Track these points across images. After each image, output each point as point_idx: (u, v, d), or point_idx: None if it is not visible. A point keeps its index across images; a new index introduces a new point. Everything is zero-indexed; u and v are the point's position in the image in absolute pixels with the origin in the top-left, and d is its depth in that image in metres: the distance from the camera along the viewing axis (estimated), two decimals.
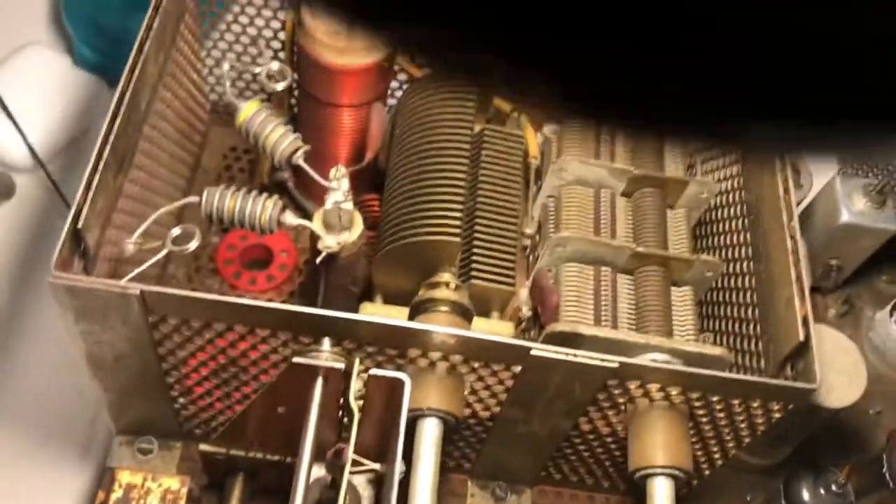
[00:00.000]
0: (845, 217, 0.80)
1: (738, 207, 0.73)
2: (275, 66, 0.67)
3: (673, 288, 0.68)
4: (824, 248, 0.83)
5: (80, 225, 0.55)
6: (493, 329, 0.67)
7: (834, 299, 0.88)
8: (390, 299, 0.68)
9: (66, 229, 0.55)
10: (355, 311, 0.71)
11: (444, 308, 0.63)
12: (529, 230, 0.72)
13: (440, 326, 0.55)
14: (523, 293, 0.68)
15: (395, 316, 0.66)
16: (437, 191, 0.65)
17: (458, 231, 0.63)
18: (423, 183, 0.66)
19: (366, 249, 0.74)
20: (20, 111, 0.90)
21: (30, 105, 0.93)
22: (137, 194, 0.68)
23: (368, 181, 0.76)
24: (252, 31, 0.80)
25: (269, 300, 0.80)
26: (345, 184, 0.65)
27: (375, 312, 0.67)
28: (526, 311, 0.67)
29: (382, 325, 0.55)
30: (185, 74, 0.76)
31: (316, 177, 0.65)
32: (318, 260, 0.63)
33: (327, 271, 0.68)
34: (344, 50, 0.67)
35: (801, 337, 0.58)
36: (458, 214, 0.64)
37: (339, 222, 0.63)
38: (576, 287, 0.66)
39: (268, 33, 0.80)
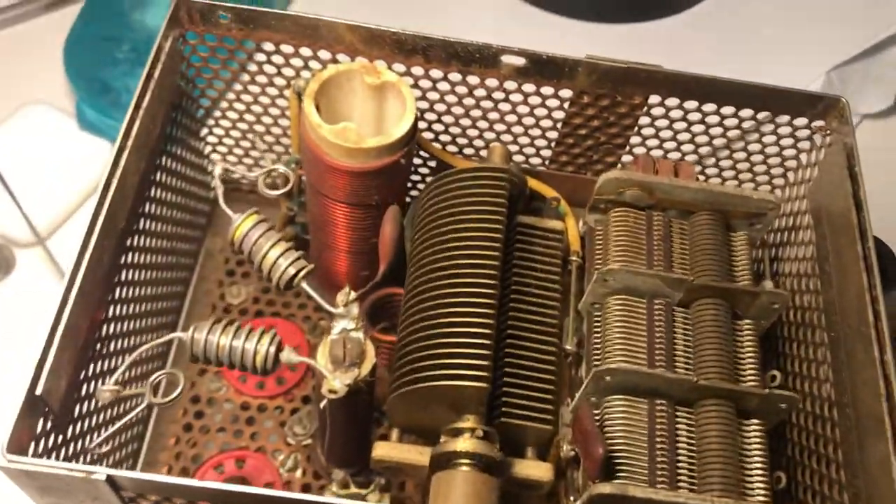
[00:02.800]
0: None
1: (815, 315, 0.62)
2: (278, 168, 0.59)
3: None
4: None
5: (38, 391, 0.48)
6: (526, 472, 0.58)
7: None
8: (410, 432, 0.60)
9: (21, 400, 0.47)
10: (370, 436, 0.63)
11: (466, 463, 0.53)
12: (570, 346, 0.62)
13: None
14: (565, 431, 0.58)
15: (413, 457, 0.58)
16: (463, 321, 0.55)
17: (487, 375, 0.54)
18: (447, 309, 0.56)
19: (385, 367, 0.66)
20: (20, 177, 0.83)
21: (31, 171, 0.86)
22: (126, 316, 0.60)
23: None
24: (250, 118, 0.71)
25: (277, 406, 0.72)
26: (354, 309, 0.56)
27: (390, 453, 0.58)
28: (567, 451, 0.58)
29: None
30: (183, 167, 0.67)
31: (322, 303, 0.56)
32: (323, 406, 0.54)
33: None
34: (353, 151, 0.58)
35: None
36: (488, 352, 0.54)
37: (347, 356, 0.54)
38: (625, 429, 0.56)
39: (267, 120, 0.71)
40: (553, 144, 0.70)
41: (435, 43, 0.62)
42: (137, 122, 0.56)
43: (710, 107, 0.65)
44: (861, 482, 0.52)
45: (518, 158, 0.72)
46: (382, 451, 0.58)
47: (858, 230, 0.58)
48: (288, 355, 0.54)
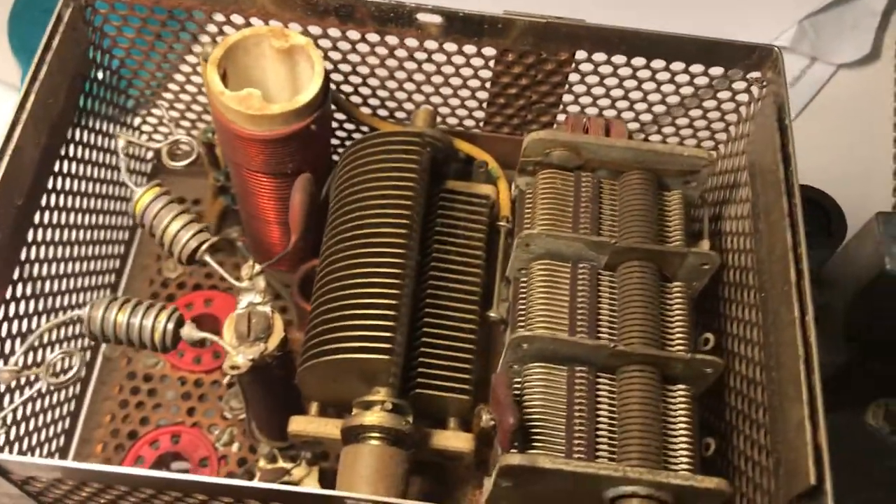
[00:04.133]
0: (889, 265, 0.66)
1: (749, 275, 0.60)
2: (181, 138, 0.57)
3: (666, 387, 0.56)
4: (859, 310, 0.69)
5: None
6: (446, 443, 0.56)
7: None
8: (328, 405, 0.58)
9: None
10: (299, 407, 0.61)
11: (373, 437, 0.52)
12: (494, 314, 0.60)
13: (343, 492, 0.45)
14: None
15: (329, 431, 0.56)
16: (368, 291, 0.54)
17: (390, 347, 0.52)
18: (353, 280, 0.54)
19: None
20: None
21: None
22: (40, 294, 0.59)
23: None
24: (174, 87, 0.69)
25: (214, 380, 0.71)
26: (260, 282, 0.55)
27: (306, 428, 0.56)
28: (487, 420, 0.56)
29: (277, 492, 0.45)
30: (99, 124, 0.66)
31: (226, 276, 0.55)
32: (226, 381, 0.53)
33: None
34: (257, 118, 0.56)
35: (813, 480, 0.46)
36: (392, 323, 0.53)
37: (251, 330, 0.53)
38: (542, 398, 0.54)
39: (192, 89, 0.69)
40: (485, 105, 0.68)
41: (347, 3, 0.60)
42: (33, 95, 0.54)
43: (640, 61, 0.62)
44: (781, 447, 0.50)
45: (452, 121, 0.70)
46: (298, 425, 0.57)
47: (785, 186, 0.55)
48: (189, 331, 0.53)
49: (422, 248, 0.59)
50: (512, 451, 0.52)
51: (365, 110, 0.69)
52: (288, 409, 0.61)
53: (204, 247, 0.55)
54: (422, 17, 0.60)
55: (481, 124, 0.70)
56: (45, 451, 0.64)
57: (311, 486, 0.62)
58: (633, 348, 0.55)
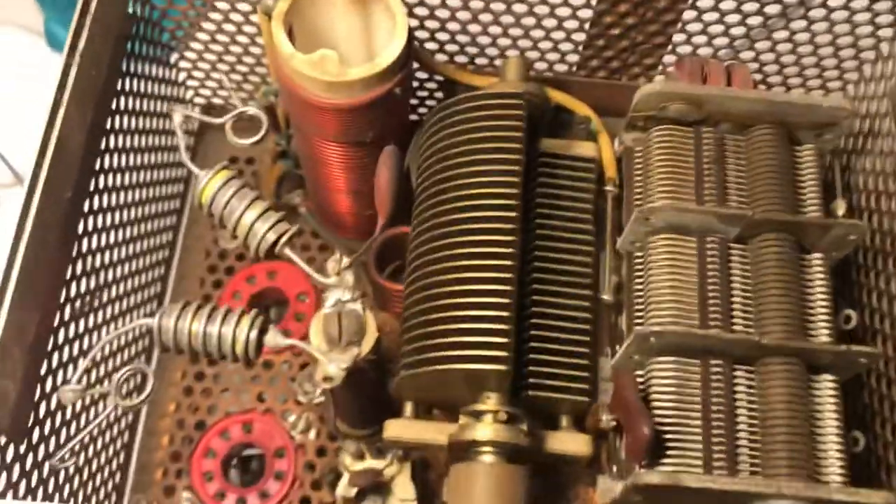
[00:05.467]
0: None
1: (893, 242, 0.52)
2: (248, 110, 0.49)
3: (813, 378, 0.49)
4: None
5: None
6: (562, 446, 0.50)
7: None
8: (426, 405, 0.52)
9: None
10: (391, 403, 0.55)
11: (488, 452, 0.46)
12: (607, 296, 0.53)
13: None
14: (603, 399, 0.50)
15: (431, 436, 0.50)
16: (479, 289, 0.46)
17: (507, 356, 0.45)
18: (458, 275, 0.47)
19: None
20: None
21: (1, 100, 0.78)
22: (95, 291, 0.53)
23: None
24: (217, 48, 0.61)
25: (284, 360, 0.65)
26: (348, 277, 0.48)
27: (402, 434, 0.50)
28: (608, 421, 0.50)
29: None
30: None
31: (311, 272, 0.48)
32: (319, 395, 0.47)
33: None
34: (334, 85, 0.48)
35: None
36: (508, 326, 0.46)
37: (343, 333, 0.46)
38: (675, 399, 0.48)
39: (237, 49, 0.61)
40: (581, 48, 0.59)
41: None
42: (74, 69, 0.47)
43: None
44: None
45: (540, 66, 0.61)
46: (394, 430, 0.51)
47: None
48: (274, 338, 0.46)
49: (525, 225, 0.51)
50: (646, 465, 0.46)
51: (440, 58, 0.60)
52: (379, 405, 0.55)
53: (284, 239, 0.48)
54: None
55: (574, 68, 0.61)
56: (110, 452, 0.59)
57: (404, 485, 0.56)
58: (778, 340, 0.48)
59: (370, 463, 0.56)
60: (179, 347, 0.46)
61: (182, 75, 0.65)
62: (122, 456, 0.61)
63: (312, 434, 0.63)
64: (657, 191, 0.52)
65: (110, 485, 0.59)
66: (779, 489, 0.44)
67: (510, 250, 0.47)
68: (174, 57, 0.63)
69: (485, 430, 0.46)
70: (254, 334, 0.46)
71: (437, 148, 0.51)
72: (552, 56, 0.60)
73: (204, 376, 0.65)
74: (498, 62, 0.61)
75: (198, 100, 0.68)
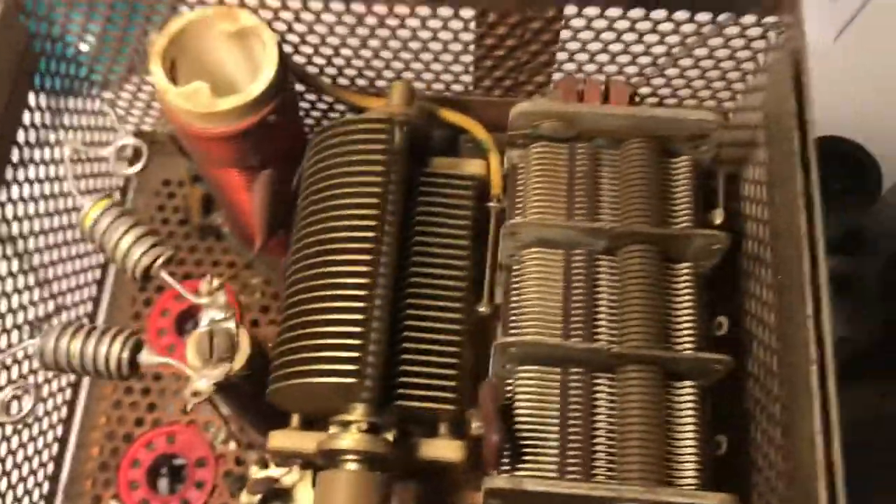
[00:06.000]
0: None
1: (765, 250, 0.53)
2: (128, 141, 0.52)
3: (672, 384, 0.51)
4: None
5: None
6: (435, 453, 0.52)
7: None
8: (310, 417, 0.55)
9: None
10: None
11: (350, 460, 0.48)
12: (484, 308, 0.55)
13: None
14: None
15: (311, 446, 0.52)
16: (333, 305, 0.49)
17: (357, 369, 0.48)
18: (316, 293, 0.50)
19: None
20: None
21: None
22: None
23: None
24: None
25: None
26: (220, 297, 0.50)
27: (285, 443, 0.53)
28: (476, 428, 0.52)
29: None
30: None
31: (183, 292, 0.51)
32: (189, 408, 0.49)
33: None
34: (207, 116, 0.51)
35: None
36: (357, 341, 0.48)
37: (214, 351, 0.49)
38: (534, 406, 0.50)
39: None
40: (471, 69, 0.61)
41: None
42: None
43: (638, 12, 0.55)
44: (794, 459, 0.45)
45: (438, 87, 0.63)
46: (277, 441, 0.53)
47: (801, 158, 0.48)
48: (147, 358, 0.49)
49: (402, 242, 0.54)
50: (498, 471, 0.48)
51: (343, 82, 0.63)
52: (274, 417, 0.57)
53: (159, 262, 0.51)
54: None
55: (470, 88, 0.63)
56: (41, 460, 0.63)
57: (305, 493, 0.59)
58: (632, 349, 0.49)
59: (270, 471, 0.59)
60: (61, 367, 0.49)
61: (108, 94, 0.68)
62: (50, 467, 0.64)
63: (232, 445, 0.66)
64: (529, 206, 0.54)
65: (37, 494, 0.62)
66: (619, 493, 0.46)
67: (369, 268, 0.49)
68: (95, 89, 0.66)
69: (347, 439, 0.49)
70: (126, 354, 0.49)
71: (309, 172, 0.53)
72: (446, 77, 0.62)
73: (132, 390, 0.68)
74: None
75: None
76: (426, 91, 0.63)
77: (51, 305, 0.63)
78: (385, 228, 0.51)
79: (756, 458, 0.53)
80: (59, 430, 0.66)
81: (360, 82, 0.63)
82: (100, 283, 0.70)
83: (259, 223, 0.52)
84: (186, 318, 0.70)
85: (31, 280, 0.59)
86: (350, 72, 0.62)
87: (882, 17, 0.89)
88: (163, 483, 0.67)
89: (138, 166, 0.52)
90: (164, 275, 0.51)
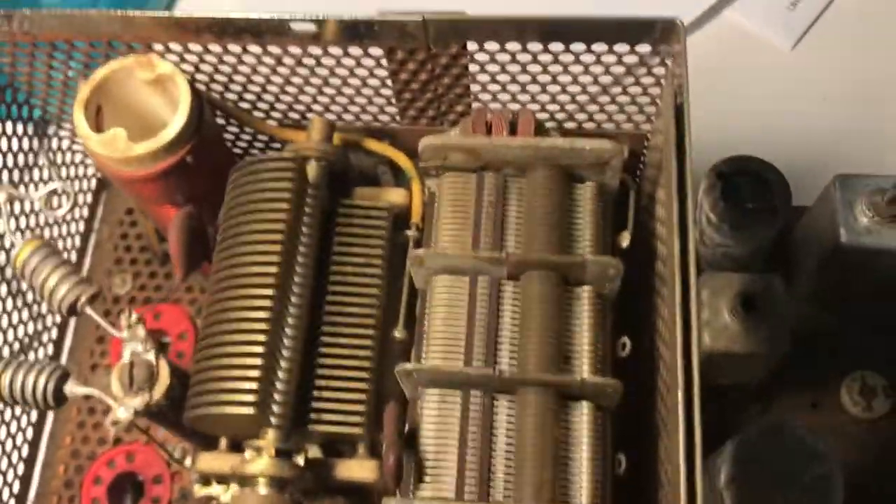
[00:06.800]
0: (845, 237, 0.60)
1: (666, 271, 0.55)
2: (55, 186, 0.56)
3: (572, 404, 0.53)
4: (822, 280, 0.63)
5: None
6: (349, 473, 0.55)
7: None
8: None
9: None
10: None
11: (259, 484, 0.51)
12: (399, 334, 0.58)
13: None
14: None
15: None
16: (234, 339, 0.52)
17: (254, 401, 0.51)
18: (221, 327, 0.53)
19: None
20: None
21: None
22: None
23: None
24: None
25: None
26: (139, 331, 0.54)
27: (212, 465, 0.56)
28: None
29: None
30: None
31: (107, 327, 0.54)
32: (112, 436, 0.53)
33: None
34: (125, 160, 0.55)
35: None
36: (256, 373, 0.51)
37: (133, 381, 0.53)
38: (436, 427, 0.52)
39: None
40: (393, 101, 0.64)
41: (216, 21, 0.57)
42: None
43: (537, 46, 0.57)
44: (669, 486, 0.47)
45: (366, 117, 0.66)
46: (205, 463, 0.57)
47: (677, 187, 0.50)
48: (72, 388, 0.53)
49: (318, 273, 0.57)
50: (396, 492, 0.51)
51: (276, 115, 0.66)
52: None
53: (83, 299, 0.54)
54: (295, 26, 0.56)
55: (397, 118, 0.66)
56: (6, 480, 0.67)
57: None
58: (523, 374, 0.52)
59: (212, 489, 0.63)
60: None
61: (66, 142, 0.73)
62: (16, 486, 0.68)
63: (188, 461, 0.70)
64: (438, 236, 0.57)
65: None
66: None
67: (269, 303, 0.52)
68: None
69: (257, 463, 0.52)
70: (52, 385, 0.53)
71: (226, 209, 0.56)
72: (372, 108, 0.65)
73: (95, 411, 0.72)
74: (331, 115, 0.66)
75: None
76: (356, 122, 0.66)
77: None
78: (294, 261, 0.54)
79: (660, 478, 0.55)
80: (26, 451, 0.70)
81: (293, 115, 0.66)
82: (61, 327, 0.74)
83: (176, 258, 0.55)
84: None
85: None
86: (280, 106, 0.65)
87: (841, 25, 0.90)
88: (126, 500, 0.71)
89: (62, 211, 0.55)
90: (89, 310, 0.54)
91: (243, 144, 0.69)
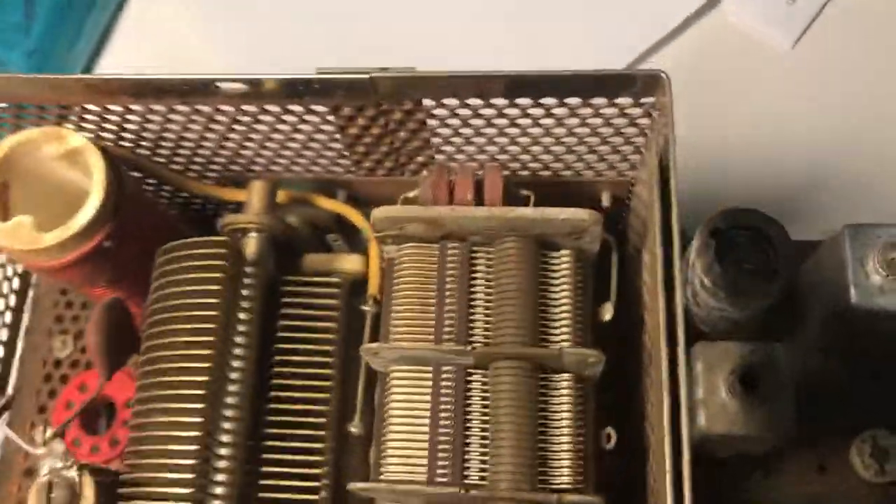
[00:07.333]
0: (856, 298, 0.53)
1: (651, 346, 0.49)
2: None
3: None
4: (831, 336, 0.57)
5: None
6: None
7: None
8: None
9: None
10: None
11: None
12: (355, 429, 0.52)
13: None
14: None
15: None
16: (165, 448, 0.46)
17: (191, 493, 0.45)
18: (151, 433, 0.47)
19: None
20: None
21: None
22: None
23: None
24: None
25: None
26: (57, 447, 0.48)
27: None
28: None
29: None
30: None
31: (23, 445, 0.48)
32: None
33: None
34: (33, 252, 0.48)
35: None
36: (188, 476, 0.45)
37: (54, 501, 0.47)
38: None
39: None
40: (345, 154, 0.57)
41: (134, 82, 0.49)
42: None
43: (501, 101, 0.50)
44: None
45: (316, 169, 0.59)
46: None
47: (663, 264, 0.43)
48: None
49: (263, 357, 0.50)
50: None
51: (212, 174, 0.59)
52: None
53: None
54: (224, 86, 0.49)
55: (352, 169, 0.59)
56: None
57: None
58: (495, 494, 0.45)
59: None
60: None
61: None
62: None
63: None
64: (393, 322, 0.50)
65: None
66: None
67: (200, 405, 0.46)
68: None
69: None
70: None
71: (151, 299, 0.50)
72: (323, 161, 0.58)
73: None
74: (277, 167, 0.59)
75: None
76: (305, 174, 0.59)
77: None
78: (229, 356, 0.48)
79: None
80: None
81: (235, 168, 0.59)
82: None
83: (97, 360, 0.49)
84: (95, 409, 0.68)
85: None
86: (218, 161, 0.58)
87: (845, 20, 0.82)
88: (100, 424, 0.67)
89: None
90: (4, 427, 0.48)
91: (180, 202, 0.62)
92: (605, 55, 0.80)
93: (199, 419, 0.46)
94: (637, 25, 0.81)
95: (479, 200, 0.51)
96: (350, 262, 0.55)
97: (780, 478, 0.61)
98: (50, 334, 0.70)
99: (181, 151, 0.57)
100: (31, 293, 0.71)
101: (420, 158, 0.57)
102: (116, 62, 0.85)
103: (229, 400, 0.47)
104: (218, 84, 0.49)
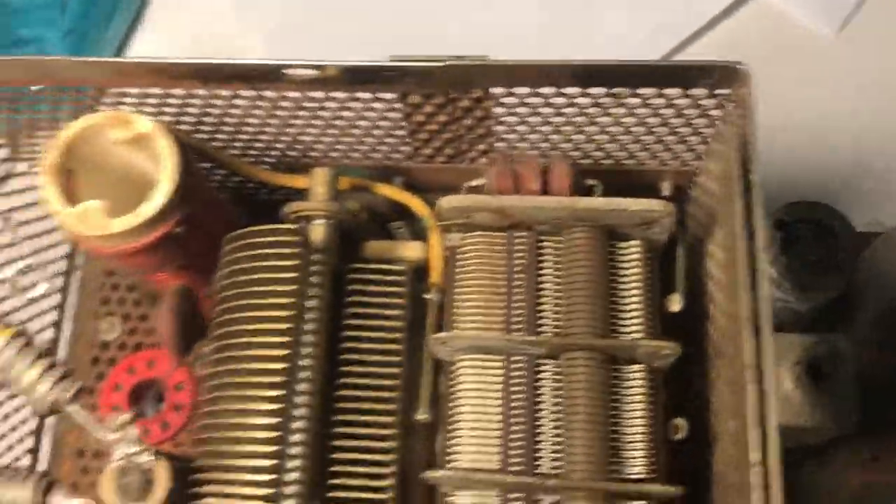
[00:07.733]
0: None
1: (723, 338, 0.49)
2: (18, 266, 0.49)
3: None
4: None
5: None
6: None
7: None
8: None
9: None
10: None
11: None
12: (422, 416, 0.51)
13: None
14: None
15: None
16: (242, 436, 0.46)
17: (262, 494, 0.45)
18: (226, 420, 0.47)
19: None
20: None
21: None
22: None
23: None
24: None
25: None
26: (132, 431, 0.48)
27: None
28: None
29: None
30: None
31: (89, 425, 0.48)
32: None
33: None
34: (103, 237, 0.47)
35: None
36: (266, 465, 0.45)
37: (126, 490, 0.47)
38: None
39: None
40: (407, 141, 0.56)
41: (203, 66, 0.49)
42: None
43: (574, 90, 0.49)
44: None
45: (376, 156, 0.59)
46: None
47: (748, 266, 0.43)
48: (59, 501, 0.47)
49: (332, 345, 0.50)
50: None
51: (271, 160, 0.58)
52: None
53: (69, 395, 0.48)
54: (291, 72, 0.48)
55: (412, 155, 0.58)
56: None
57: None
58: (563, 482, 0.45)
59: None
60: None
61: None
62: None
63: None
64: (460, 311, 0.50)
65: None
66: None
67: (275, 392, 0.46)
68: None
69: None
70: (39, 497, 0.47)
71: (220, 285, 0.50)
72: (383, 148, 0.57)
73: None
74: (336, 154, 0.58)
75: None
76: (363, 160, 0.59)
77: None
78: (301, 344, 0.47)
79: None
80: None
81: (292, 153, 0.59)
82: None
83: (168, 341, 0.49)
84: (142, 391, 0.68)
85: None
86: (274, 151, 0.58)
87: (888, 7, 0.82)
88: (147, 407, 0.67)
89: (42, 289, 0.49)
90: (71, 409, 0.48)
91: (231, 186, 0.62)
92: (646, 42, 0.79)
93: (274, 406, 0.46)
94: (679, 12, 0.81)
95: (544, 190, 0.51)
96: (411, 250, 0.54)
97: (834, 466, 0.61)
98: (96, 316, 0.70)
99: (241, 136, 0.56)
100: (76, 275, 0.70)
101: (481, 146, 0.56)
102: (150, 42, 0.85)
103: (302, 387, 0.47)
104: (285, 70, 0.48)
